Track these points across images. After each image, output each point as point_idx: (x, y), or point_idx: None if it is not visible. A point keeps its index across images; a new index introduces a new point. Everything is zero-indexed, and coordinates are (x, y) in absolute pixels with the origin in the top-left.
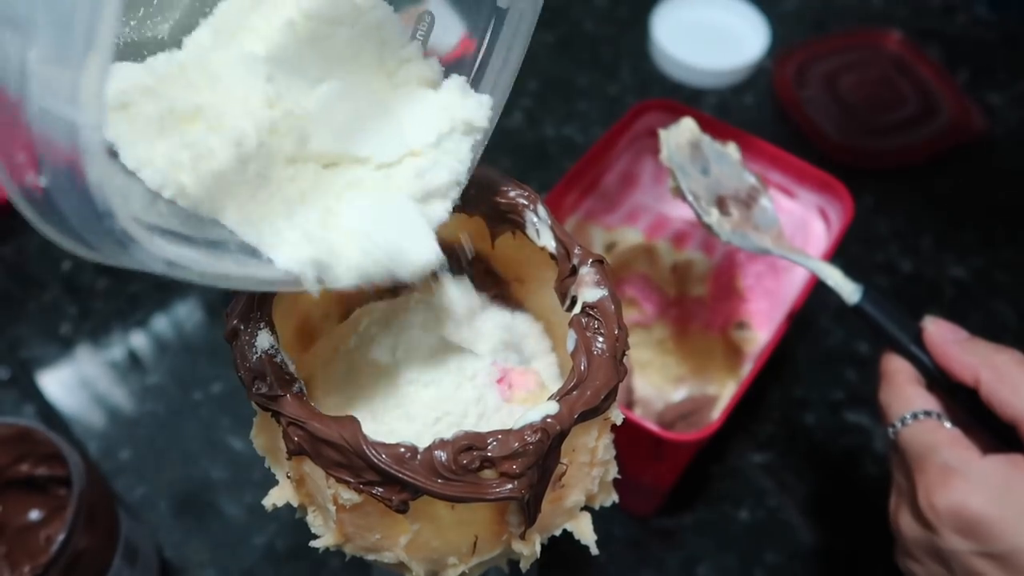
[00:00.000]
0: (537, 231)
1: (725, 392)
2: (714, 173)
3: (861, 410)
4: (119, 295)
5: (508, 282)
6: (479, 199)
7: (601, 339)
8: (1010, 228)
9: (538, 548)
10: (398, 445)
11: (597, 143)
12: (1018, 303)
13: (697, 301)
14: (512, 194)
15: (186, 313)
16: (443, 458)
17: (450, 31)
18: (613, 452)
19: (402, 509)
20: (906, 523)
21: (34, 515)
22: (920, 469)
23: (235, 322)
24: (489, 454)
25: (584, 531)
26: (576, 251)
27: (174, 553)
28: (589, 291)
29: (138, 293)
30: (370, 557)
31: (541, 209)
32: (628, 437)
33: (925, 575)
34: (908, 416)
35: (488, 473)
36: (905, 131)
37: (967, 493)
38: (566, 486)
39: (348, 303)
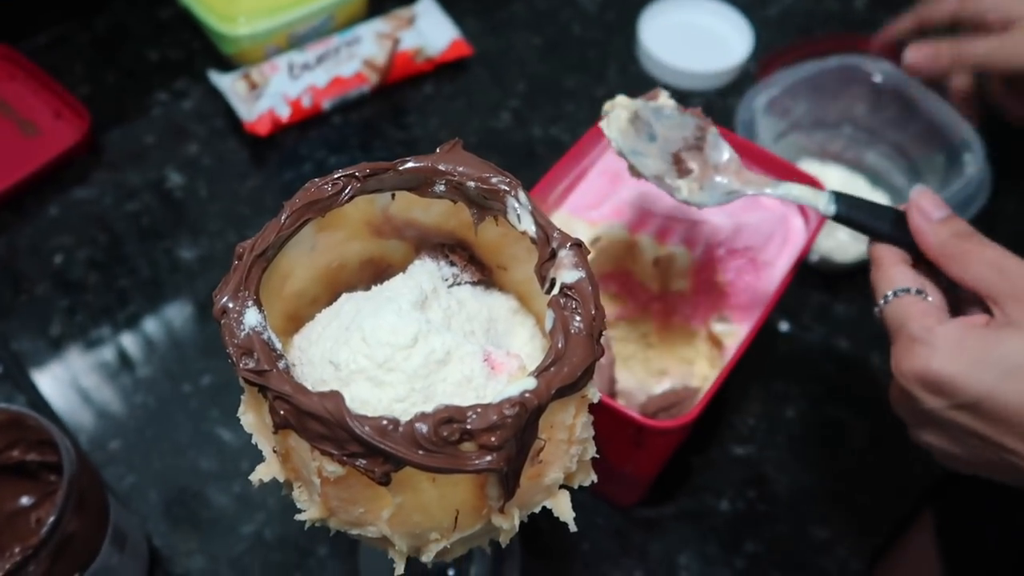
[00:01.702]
0: (518, 216)
1: (707, 385)
2: (660, 134)
3: (840, 404)
4: (109, 290)
5: (492, 269)
6: (462, 187)
7: (579, 318)
8: None
9: (517, 522)
10: (380, 418)
11: (582, 139)
12: None
13: (679, 295)
14: (494, 180)
15: (176, 308)
16: (424, 430)
17: (442, 34)
18: (591, 431)
19: (384, 481)
20: (893, 396)
21: (24, 501)
22: (894, 341)
23: (224, 300)
24: (468, 427)
25: (563, 508)
26: (555, 235)
27: (163, 542)
28: (567, 273)
29: (128, 288)
30: (354, 532)
31: (522, 195)
32: (609, 425)
33: (932, 440)
34: (890, 294)
35: (468, 446)
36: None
37: (927, 357)
38: (545, 462)
39: (335, 288)
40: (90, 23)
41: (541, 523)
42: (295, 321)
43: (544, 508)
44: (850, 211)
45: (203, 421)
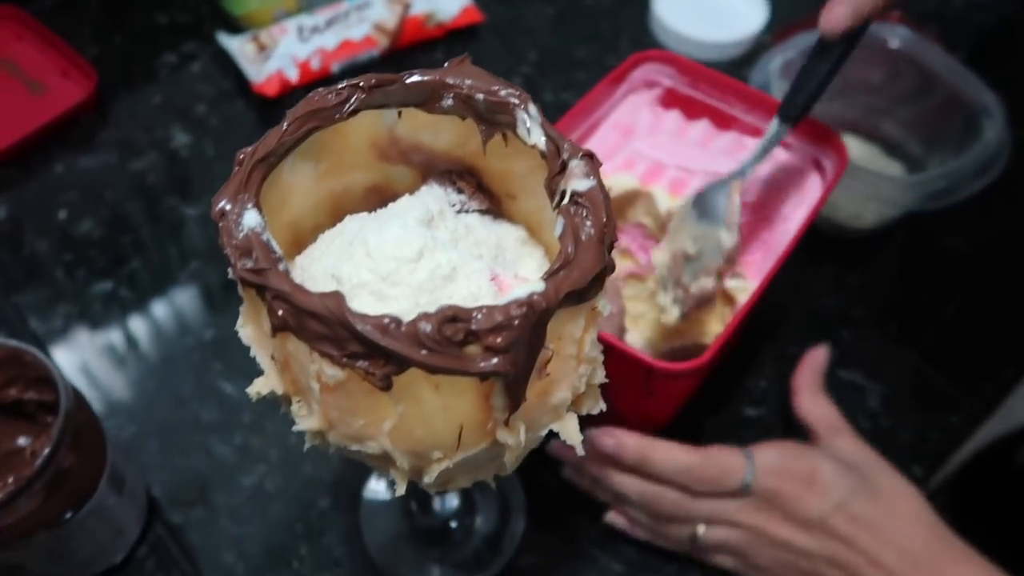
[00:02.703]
0: (528, 129)
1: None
2: (701, 254)
3: (854, 369)
4: (112, 246)
5: (500, 198)
6: (471, 100)
7: (589, 224)
8: None
9: (523, 437)
10: (382, 316)
11: (593, 90)
12: None
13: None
14: (503, 93)
15: (179, 264)
16: (427, 329)
17: (453, 0)
18: (601, 353)
19: (385, 386)
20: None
21: (22, 441)
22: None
23: (222, 203)
24: (473, 327)
25: (570, 431)
26: (566, 146)
27: (163, 492)
28: (578, 182)
29: (131, 244)
30: (354, 448)
31: (532, 108)
32: (620, 371)
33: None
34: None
35: (473, 348)
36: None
37: (814, 459)
38: (553, 379)
39: (339, 216)
40: None
41: (545, 480)
42: (297, 247)
43: (545, 461)
44: (799, 106)
45: (206, 374)
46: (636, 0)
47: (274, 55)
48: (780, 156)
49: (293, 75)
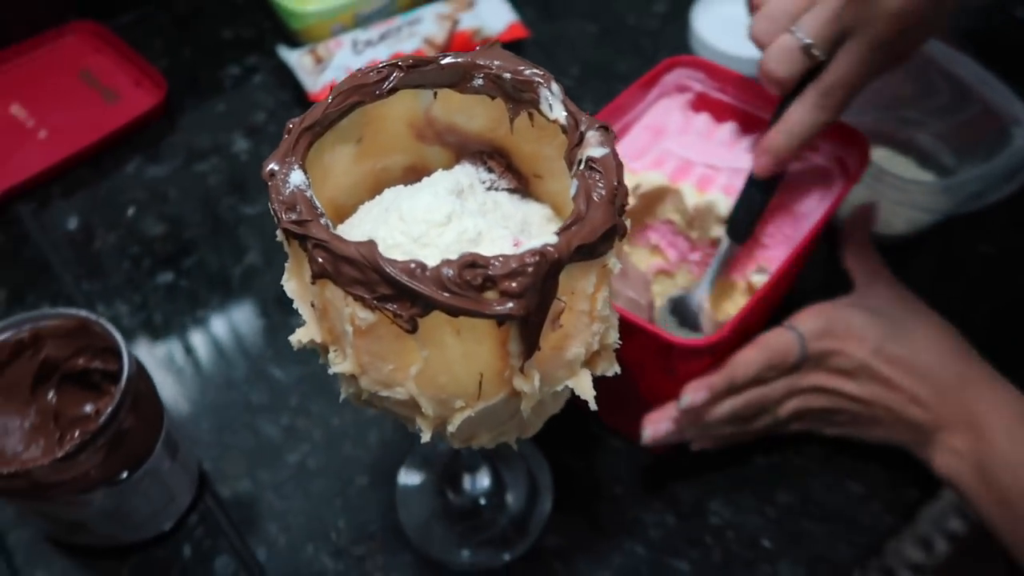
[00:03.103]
0: (550, 105)
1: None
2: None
3: None
4: (176, 240)
5: (528, 179)
6: (499, 80)
7: (601, 186)
8: None
9: (537, 384)
10: (409, 261)
11: (625, 92)
12: None
13: (717, 243)
14: (527, 72)
15: (236, 256)
16: (450, 274)
17: (500, 17)
18: (614, 313)
19: (411, 328)
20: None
21: (87, 408)
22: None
23: (271, 165)
24: (491, 272)
25: (584, 387)
26: (583, 120)
27: (213, 466)
28: (593, 150)
29: (193, 238)
30: (384, 393)
31: (554, 85)
32: (641, 352)
33: (811, 403)
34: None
35: (490, 293)
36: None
37: (845, 316)
38: (566, 334)
39: (379, 190)
40: (171, 4)
41: (573, 464)
42: (339, 219)
43: (573, 436)
44: (743, 228)
45: (257, 360)
46: (677, 18)
47: (330, 67)
48: (805, 156)
49: None
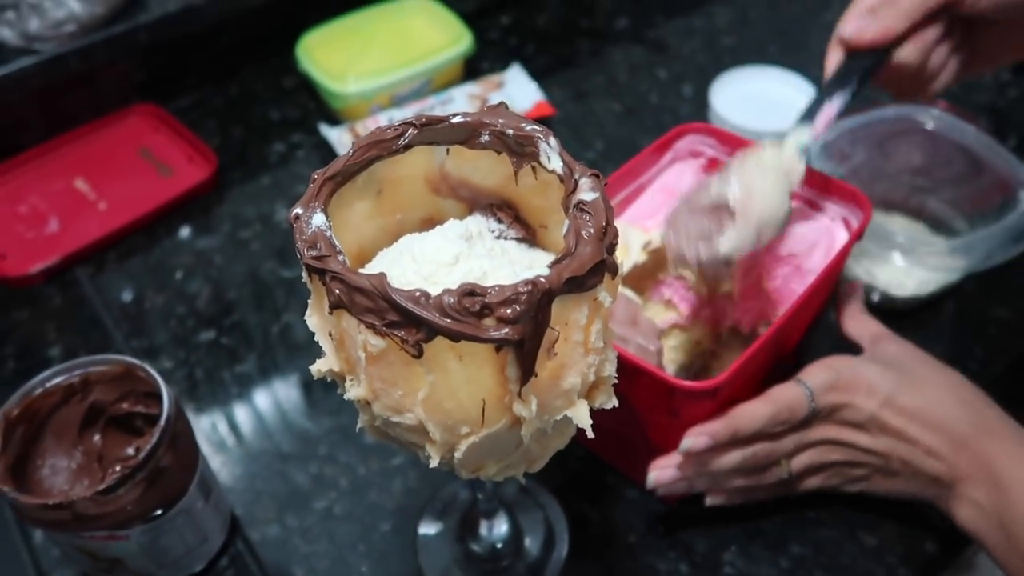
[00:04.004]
0: (549, 157)
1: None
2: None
3: None
4: (219, 301)
5: (535, 229)
6: (503, 136)
7: (590, 225)
8: None
9: (535, 408)
10: (415, 290)
11: (639, 155)
12: None
13: (727, 299)
14: (527, 128)
15: (273, 317)
16: (450, 301)
17: (527, 96)
18: (612, 352)
19: (417, 352)
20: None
21: (129, 451)
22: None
23: (296, 209)
24: (488, 300)
25: (581, 416)
26: (578, 169)
27: (244, 511)
28: (585, 194)
29: (235, 299)
30: (395, 419)
31: (552, 140)
32: (646, 396)
33: (824, 456)
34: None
35: (488, 320)
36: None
37: (855, 366)
38: (562, 363)
39: (396, 238)
40: (226, 89)
41: (589, 514)
42: (361, 265)
43: (589, 486)
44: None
45: (289, 411)
46: (698, 98)
47: None
48: (813, 215)
49: None
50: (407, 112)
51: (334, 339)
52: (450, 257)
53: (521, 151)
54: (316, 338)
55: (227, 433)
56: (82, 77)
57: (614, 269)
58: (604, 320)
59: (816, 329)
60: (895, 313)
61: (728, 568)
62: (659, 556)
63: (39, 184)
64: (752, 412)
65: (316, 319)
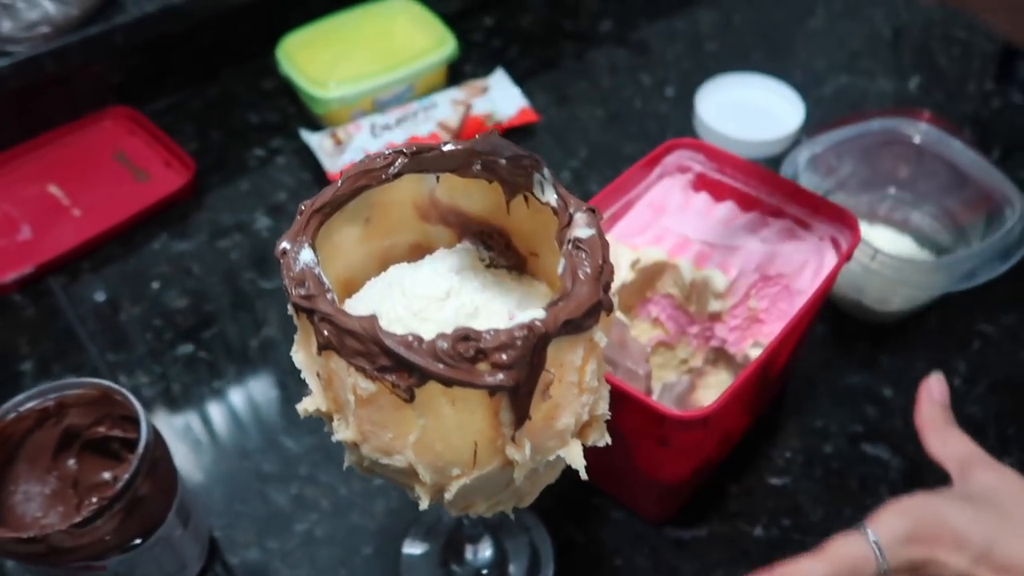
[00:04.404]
0: (542, 188)
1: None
2: None
3: (880, 443)
4: (196, 312)
5: (525, 257)
6: (495, 165)
7: (587, 265)
8: None
9: (528, 453)
10: (407, 334)
11: (628, 171)
12: None
13: (716, 318)
14: (520, 159)
15: (253, 331)
16: (444, 346)
17: (511, 102)
18: (605, 388)
19: (409, 397)
20: None
21: (106, 475)
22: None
23: (284, 243)
24: (482, 345)
25: (574, 456)
26: (572, 202)
27: (223, 534)
28: (581, 230)
29: (213, 311)
30: (384, 461)
31: (545, 171)
32: (635, 423)
33: None
34: None
35: (482, 365)
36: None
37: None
38: (556, 404)
39: (386, 267)
40: (204, 91)
41: (576, 536)
42: (349, 293)
43: (576, 508)
44: None
45: (270, 430)
46: (682, 103)
47: (348, 149)
48: (802, 235)
49: None
50: (389, 118)
51: (322, 379)
52: (441, 292)
53: (514, 181)
54: (303, 375)
55: (205, 452)
56: (56, 79)
57: (610, 307)
58: (599, 359)
59: (802, 349)
60: (879, 328)
61: None
62: None
63: (11, 190)
64: (804, 574)
65: (303, 356)
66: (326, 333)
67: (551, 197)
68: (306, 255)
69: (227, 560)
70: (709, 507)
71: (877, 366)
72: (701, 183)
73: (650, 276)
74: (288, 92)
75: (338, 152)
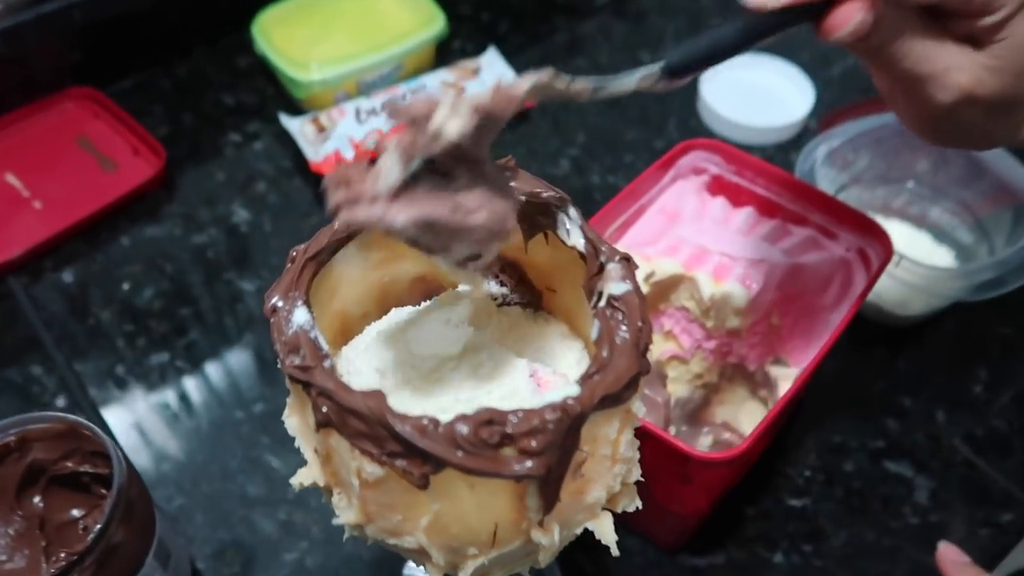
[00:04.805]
0: (568, 231)
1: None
2: None
3: (902, 460)
4: (171, 318)
5: (541, 292)
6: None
7: (624, 328)
8: None
9: (557, 538)
10: (421, 417)
11: (640, 176)
12: None
13: (734, 336)
14: (545, 196)
15: (233, 338)
16: (464, 431)
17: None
18: (637, 452)
19: (423, 484)
20: None
21: (75, 512)
22: None
23: (275, 299)
24: (509, 430)
25: (605, 530)
26: (604, 249)
27: (206, 565)
28: (615, 285)
29: (189, 317)
30: (391, 541)
31: (572, 210)
32: (656, 458)
33: None
34: None
35: (508, 451)
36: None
37: None
38: (587, 479)
39: (386, 305)
40: (173, 70)
41: (585, 566)
42: (345, 335)
43: (588, 542)
44: (684, 55)
45: (253, 447)
46: (686, 87)
47: (332, 136)
48: (827, 245)
49: (349, 155)
50: (375, 102)
51: (320, 455)
52: (454, 349)
53: (534, 219)
54: (297, 444)
55: (185, 473)
56: (11, 59)
57: (647, 370)
58: (633, 427)
59: None
60: (896, 332)
61: None
62: None
63: None
64: None
65: (296, 422)
66: (325, 410)
67: (578, 241)
68: (300, 316)
69: None
70: (725, 532)
71: (895, 374)
72: (717, 186)
73: (664, 288)
74: (265, 71)
75: (320, 139)
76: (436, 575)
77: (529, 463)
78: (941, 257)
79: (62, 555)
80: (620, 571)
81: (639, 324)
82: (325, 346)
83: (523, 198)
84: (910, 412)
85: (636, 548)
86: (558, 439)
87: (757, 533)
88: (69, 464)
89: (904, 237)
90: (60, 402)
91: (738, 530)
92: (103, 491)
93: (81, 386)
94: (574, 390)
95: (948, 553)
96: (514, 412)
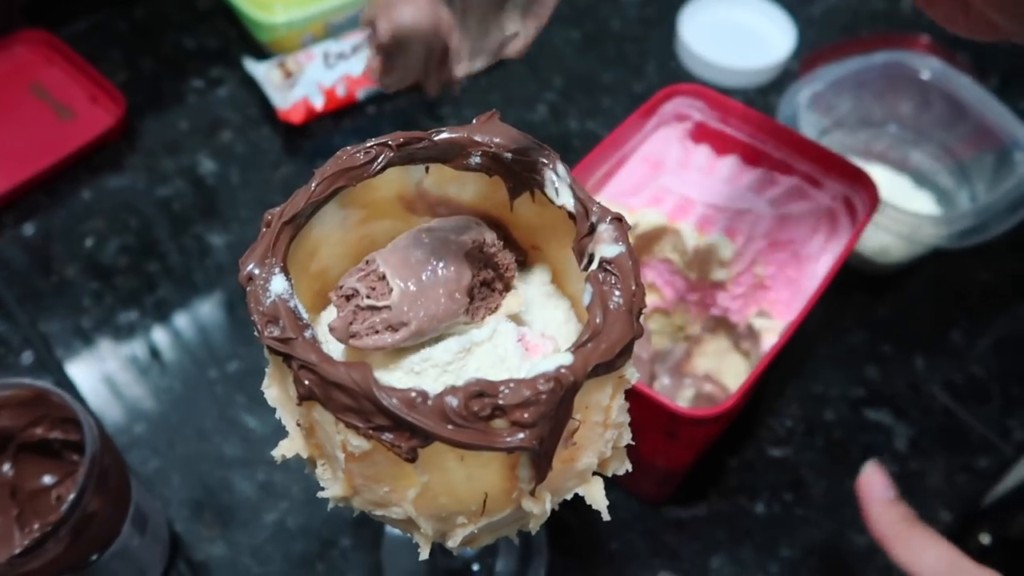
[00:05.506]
0: (556, 190)
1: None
2: None
3: (882, 408)
4: (138, 275)
5: (526, 250)
6: (498, 159)
7: (618, 293)
8: None
9: (548, 507)
10: (409, 389)
11: (622, 125)
12: None
13: (718, 287)
14: (531, 152)
15: (204, 294)
16: (454, 404)
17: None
18: (627, 416)
19: (411, 457)
20: None
21: (47, 479)
22: None
23: (250, 267)
24: (500, 402)
25: (596, 496)
26: (595, 209)
27: (184, 528)
28: (607, 247)
29: (157, 273)
30: (378, 512)
31: (560, 167)
32: (642, 414)
33: None
34: None
35: (499, 423)
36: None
37: None
38: (579, 446)
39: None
40: (129, 11)
41: (570, 520)
42: (324, 298)
43: (574, 500)
44: None
45: (229, 407)
46: (663, 24)
47: (300, 82)
48: (812, 193)
49: (319, 102)
50: (344, 45)
51: (302, 427)
52: None
53: (520, 177)
54: (278, 415)
55: (160, 434)
56: None
57: (641, 334)
58: (624, 391)
59: None
60: (876, 279)
61: (715, 575)
62: (644, 565)
63: None
64: None
65: (276, 393)
66: (307, 383)
67: (567, 201)
68: (278, 284)
69: (191, 557)
70: (708, 483)
71: (875, 321)
72: (701, 133)
73: (648, 240)
74: (227, 12)
75: (287, 85)
76: (424, 544)
77: (521, 435)
78: (922, 202)
79: (36, 526)
80: (604, 525)
81: (632, 288)
82: (305, 315)
83: (509, 156)
84: (890, 359)
85: (620, 502)
86: (551, 410)
87: (739, 484)
88: (38, 431)
89: (885, 182)
90: (26, 360)
91: (720, 481)
92: (75, 457)
93: (47, 345)
94: (567, 359)
95: (872, 484)
96: (505, 383)
